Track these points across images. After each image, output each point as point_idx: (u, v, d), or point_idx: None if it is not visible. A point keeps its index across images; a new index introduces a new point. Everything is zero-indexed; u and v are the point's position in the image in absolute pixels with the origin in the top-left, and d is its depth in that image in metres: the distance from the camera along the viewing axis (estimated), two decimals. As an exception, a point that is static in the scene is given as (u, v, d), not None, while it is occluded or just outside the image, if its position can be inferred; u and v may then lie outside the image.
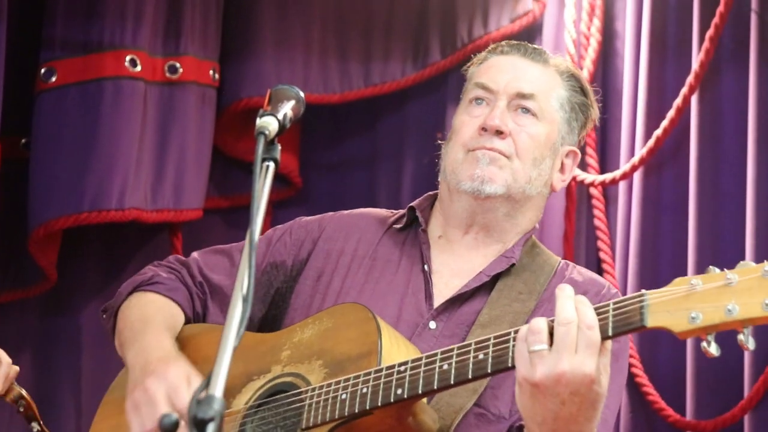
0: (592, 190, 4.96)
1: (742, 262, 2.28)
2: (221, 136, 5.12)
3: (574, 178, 4.92)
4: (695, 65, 4.65)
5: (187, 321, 3.02)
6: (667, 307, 2.28)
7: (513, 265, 2.91)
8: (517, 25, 5.18)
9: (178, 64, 4.93)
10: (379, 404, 2.52)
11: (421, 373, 2.50)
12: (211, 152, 5.05)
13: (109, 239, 5.02)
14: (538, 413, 2.39)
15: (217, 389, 1.87)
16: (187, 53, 4.95)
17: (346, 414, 2.56)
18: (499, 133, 2.90)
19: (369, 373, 2.56)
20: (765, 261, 2.24)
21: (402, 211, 3.10)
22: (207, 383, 1.90)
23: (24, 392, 3.69)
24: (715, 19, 4.58)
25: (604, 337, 2.34)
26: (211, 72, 5.02)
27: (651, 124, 4.78)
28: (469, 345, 2.46)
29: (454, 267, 2.94)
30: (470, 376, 2.46)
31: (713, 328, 2.26)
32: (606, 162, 5.00)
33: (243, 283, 2.03)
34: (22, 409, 3.71)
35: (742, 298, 2.22)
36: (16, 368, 3.59)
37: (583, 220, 4.99)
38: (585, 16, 5.05)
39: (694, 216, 4.57)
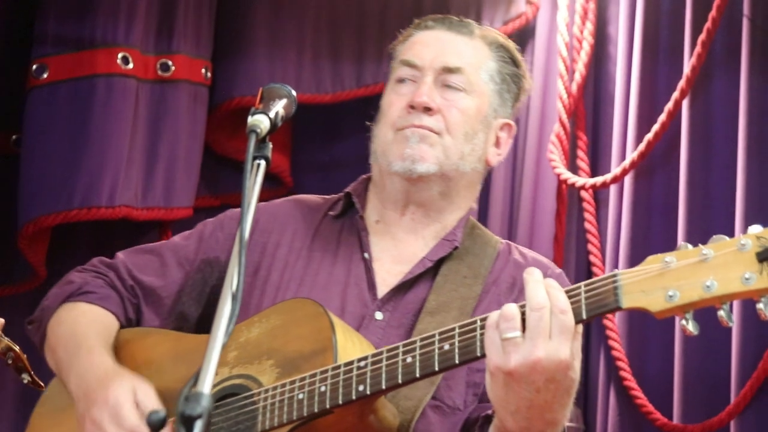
0: (583, 193, 4.97)
1: (715, 236, 2.20)
2: (213, 134, 5.12)
3: (564, 181, 4.93)
4: (687, 70, 4.66)
5: (121, 328, 2.89)
6: (641, 286, 2.21)
7: (456, 248, 2.84)
8: (510, 28, 5.18)
9: (170, 62, 4.92)
10: (340, 402, 2.44)
11: (383, 368, 2.42)
12: (203, 151, 5.05)
13: (99, 237, 5.01)
14: (511, 402, 2.31)
15: (205, 386, 1.88)
16: (179, 51, 4.95)
17: (305, 414, 2.47)
18: (427, 109, 2.82)
19: (326, 371, 2.47)
20: (740, 234, 2.16)
21: (336, 197, 3.01)
22: (195, 380, 1.91)
23: (12, 344, 3.62)
24: (708, 24, 4.59)
25: (578, 321, 2.27)
26: (203, 70, 5.02)
27: (642, 128, 4.79)
28: (433, 336, 2.39)
29: (394, 253, 2.86)
30: (437, 368, 2.37)
31: (691, 305, 2.18)
32: (597, 165, 5.00)
33: (233, 281, 2.03)
34: (10, 362, 3.61)
35: (719, 273, 2.15)
36: (2, 320, 3.51)
37: (573, 222, 5.00)
38: (578, 20, 5.05)
39: (684, 220, 4.58)
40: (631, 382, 4.65)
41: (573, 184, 4.94)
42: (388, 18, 5.27)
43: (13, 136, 4.83)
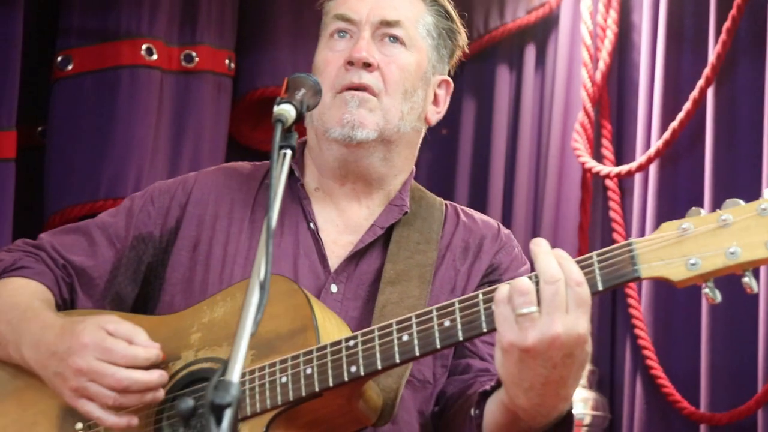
0: (608, 182, 4.96)
1: (729, 200, 2.13)
2: (237, 125, 5.13)
3: (589, 170, 4.92)
4: (712, 57, 4.64)
5: (57, 307, 2.73)
6: (659, 254, 2.13)
7: (405, 213, 2.75)
8: (533, 16, 5.18)
9: (194, 53, 4.93)
10: (331, 385, 2.32)
11: (377, 347, 2.31)
12: (227, 142, 5.05)
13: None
14: (525, 378, 2.21)
15: (234, 374, 1.88)
16: (203, 42, 4.95)
17: (291, 399, 2.35)
18: (366, 65, 2.69)
19: (310, 352, 2.35)
20: (760, 198, 2.10)
21: (266, 163, 2.88)
22: (224, 369, 1.90)
23: None
24: (732, 11, 4.57)
25: (594, 293, 2.17)
26: (227, 61, 5.02)
27: (667, 116, 4.78)
28: (431, 312, 2.28)
29: (339, 223, 2.76)
30: (438, 346, 2.27)
31: (714, 273, 2.10)
32: (622, 154, 5.00)
33: (260, 269, 2.02)
34: None
35: (742, 239, 2.07)
36: None
37: (598, 211, 4.99)
38: (602, 8, 5.04)
39: (710, 207, 4.56)
40: (658, 371, 4.65)
41: (598, 173, 4.93)
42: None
43: (39, 128, 4.85)
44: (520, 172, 5.11)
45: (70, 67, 4.73)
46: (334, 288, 2.66)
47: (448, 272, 2.72)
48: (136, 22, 4.77)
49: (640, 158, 4.83)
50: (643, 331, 4.70)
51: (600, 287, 2.18)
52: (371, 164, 2.74)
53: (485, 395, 2.44)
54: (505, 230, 2.83)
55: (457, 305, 2.27)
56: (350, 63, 2.70)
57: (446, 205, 2.86)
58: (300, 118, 2.34)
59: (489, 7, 5.25)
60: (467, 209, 2.88)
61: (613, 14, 5.04)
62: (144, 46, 4.78)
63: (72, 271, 2.76)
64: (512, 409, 2.31)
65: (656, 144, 4.76)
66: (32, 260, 2.76)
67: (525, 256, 2.76)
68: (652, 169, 4.81)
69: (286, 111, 2.30)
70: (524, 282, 2.18)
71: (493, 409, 2.40)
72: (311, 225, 2.73)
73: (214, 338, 2.51)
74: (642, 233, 4.77)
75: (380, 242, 2.73)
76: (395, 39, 2.73)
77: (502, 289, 2.20)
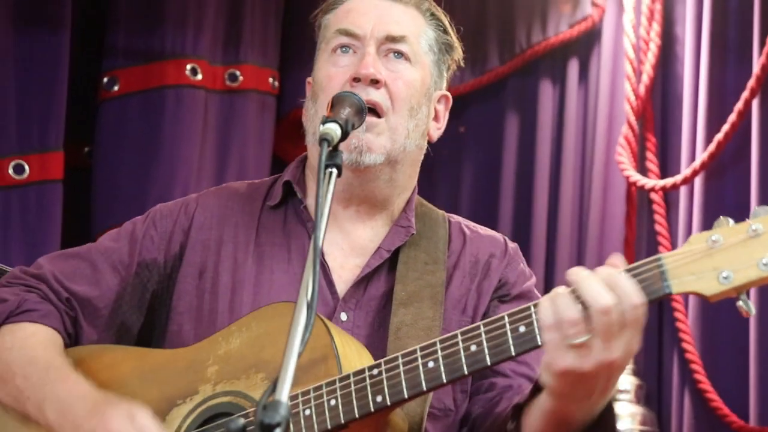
0: (653, 195, 4.94)
1: (757, 207, 2.08)
2: (280, 143, 5.15)
3: (634, 184, 4.91)
4: (756, 68, 4.62)
5: (65, 346, 2.65)
6: (690, 269, 2.08)
7: (411, 234, 2.69)
8: (576, 30, 5.17)
9: (238, 72, 4.96)
10: (357, 416, 2.27)
11: (402, 375, 2.25)
12: (271, 159, 5.08)
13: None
14: (580, 395, 2.19)
15: (284, 394, 1.88)
16: (247, 61, 4.99)
17: (316, 431, 2.29)
18: (374, 82, 2.61)
19: (333, 383, 2.29)
20: None
21: (267, 182, 2.81)
22: (273, 388, 1.91)
23: None
24: (776, 22, 4.55)
25: None
26: (270, 80, 5.05)
27: (712, 128, 4.75)
28: (455, 336, 2.23)
29: (344, 246, 2.68)
30: (466, 372, 2.22)
31: (747, 285, 2.05)
32: (667, 167, 4.97)
33: (307, 289, 2.03)
34: None
35: None
36: None
37: (644, 225, 4.97)
38: (644, 21, 5.03)
39: (757, 220, 4.53)
40: (706, 385, 4.62)
41: (642, 187, 4.91)
42: (453, 24, 5.26)
43: (86, 149, 4.89)
44: (564, 187, 5.09)
45: (116, 88, 4.78)
46: (344, 316, 2.60)
47: (459, 291, 2.67)
48: (180, 42, 4.81)
49: (685, 171, 4.81)
50: (690, 345, 4.67)
51: None
52: (377, 186, 2.68)
53: (518, 408, 2.39)
54: (511, 244, 2.78)
55: (482, 329, 2.23)
56: (356, 79, 2.62)
57: (449, 220, 2.79)
58: (345, 136, 2.33)
59: (531, 22, 5.24)
60: (470, 224, 2.81)
61: (656, 27, 5.02)
62: (189, 66, 4.82)
63: (76, 304, 2.67)
64: (559, 415, 2.27)
65: (701, 156, 4.74)
66: (36, 298, 2.65)
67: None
68: (698, 181, 4.78)
69: (331, 130, 2.29)
70: (571, 310, 2.12)
71: (533, 420, 2.34)
72: None
73: (232, 371, 2.45)
74: (688, 246, 4.74)
75: (386, 265, 2.67)
76: (400, 54, 2.67)
77: (546, 314, 2.15)
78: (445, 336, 2.26)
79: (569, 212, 5.08)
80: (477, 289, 2.69)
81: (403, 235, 2.69)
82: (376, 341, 2.57)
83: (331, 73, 2.67)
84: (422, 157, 2.76)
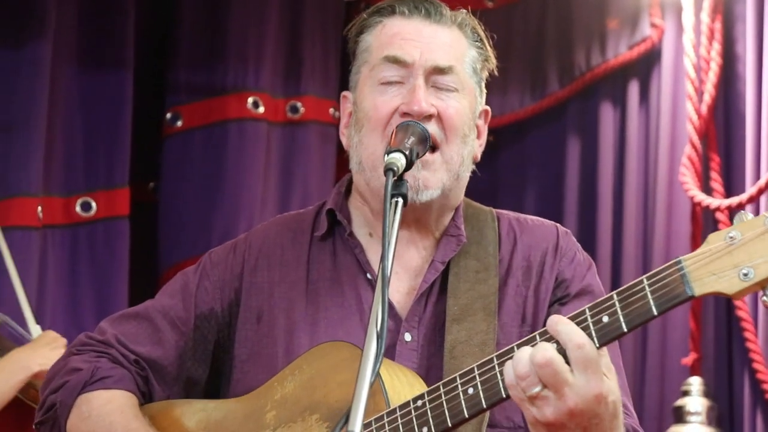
0: (718, 215, 4.91)
1: None
2: (343, 173, 5.17)
3: (698, 203, 4.88)
4: (819, 85, 4.59)
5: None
6: (710, 269, 2.04)
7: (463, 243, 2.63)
8: (635, 52, 5.16)
9: (299, 104, 5.01)
10: None
11: (444, 404, 2.23)
12: (334, 189, 5.11)
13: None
14: None
15: (357, 425, 1.90)
16: (307, 93, 5.03)
17: None
18: (426, 117, 2.53)
19: (381, 418, 2.27)
20: None
21: (312, 212, 2.74)
22: (346, 420, 1.92)
23: None
24: (839, 38, 4.52)
25: (649, 318, 2.10)
26: (331, 110, 5.09)
27: (776, 146, 4.72)
28: (492, 360, 2.19)
29: (398, 269, 2.59)
30: (504, 395, 2.18)
31: None
32: (731, 186, 4.94)
33: (377, 320, 2.04)
34: None
35: None
36: None
37: (709, 245, 4.93)
38: (704, 40, 5.01)
39: (825, 238, 4.49)
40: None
41: (707, 206, 4.89)
42: (512, 48, 5.28)
43: (151, 184, 4.95)
44: (628, 209, 5.08)
45: (179, 123, 4.84)
46: (408, 337, 2.54)
47: (515, 300, 2.60)
48: (242, 76, 4.87)
49: (750, 189, 4.78)
50: (761, 365, 4.63)
51: (655, 312, 2.10)
52: (429, 213, 2.60)
53: None
54: (562, 230, 2.68)
55: (516, 349, 2.19)
56: (407, 113, 2.53)
57: (498, 218, 2.70)
58: (410, 165, 2.33)
59: (590, 45, 5.24)
60: (520, 216, 2.72)
61: (717, 46, 5.00)
62: (250, 100, 4.87)
63: (145, 365, 2.65)
64: None
65: (766, 175, 4.70)
66: (108, 364, 2.64)
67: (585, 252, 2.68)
68: (763, 200, 4.75)
69: (396, 160, 2.30)
70: (522, 364, 2.12)
71: None
72: (368, 275, 2.59)
73: (289, 415, 2.44)
74: (756, 265, 4.70)
75: (439, 278, 2.60)
76: (449, 86, 2.59)
77: (508, 372, 2.14)
78: (483, 360, 2.23)
79: (633, 234, 5.06)
80: (534, 295, 2.61)
81: (455, 244, 2.61)
82: (439, 360, 2.54)
83: (377, 103, 2.59)
84: (468, 176, 2.66)
